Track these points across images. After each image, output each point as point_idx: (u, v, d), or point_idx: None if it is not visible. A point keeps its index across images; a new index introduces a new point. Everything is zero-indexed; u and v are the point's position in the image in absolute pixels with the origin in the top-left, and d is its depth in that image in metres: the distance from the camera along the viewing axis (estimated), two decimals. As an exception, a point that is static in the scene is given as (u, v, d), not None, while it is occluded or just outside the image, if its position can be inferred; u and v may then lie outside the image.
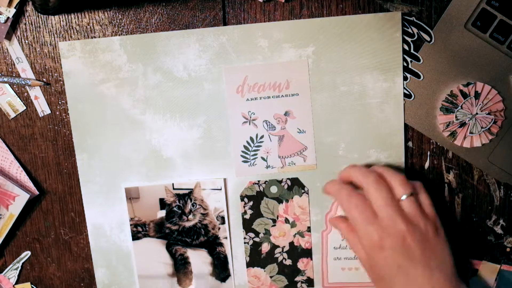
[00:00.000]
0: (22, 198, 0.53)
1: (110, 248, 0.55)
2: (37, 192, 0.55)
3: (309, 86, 0.52)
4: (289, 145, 0.53)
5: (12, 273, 0.56)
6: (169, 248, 0.55)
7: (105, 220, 0.55)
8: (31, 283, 0.57)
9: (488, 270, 0.56)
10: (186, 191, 0.54)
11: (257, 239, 0.55)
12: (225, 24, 0.52)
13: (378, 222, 0.46)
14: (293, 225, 0.55)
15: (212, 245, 0.55)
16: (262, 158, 0.54)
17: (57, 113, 0.54)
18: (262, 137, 0.53)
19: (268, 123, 0.53)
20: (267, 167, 0.54)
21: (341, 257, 0.55)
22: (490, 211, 0.55)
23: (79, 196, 0.55)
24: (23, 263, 0.56)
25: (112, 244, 0.55)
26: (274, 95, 0.52)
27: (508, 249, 0.56)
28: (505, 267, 0.56)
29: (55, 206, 0.55)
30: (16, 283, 0.57)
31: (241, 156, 0.54)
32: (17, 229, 0.56)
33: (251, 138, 0.53)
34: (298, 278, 0.56)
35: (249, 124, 0.53)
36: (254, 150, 0.53)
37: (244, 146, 0.53)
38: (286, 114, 0.53)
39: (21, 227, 0.56)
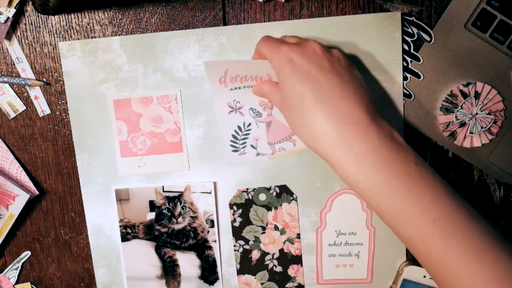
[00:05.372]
0: (22, 198, 0.53)
1: (110, 248, 0.55)
2: (37, 192, 0.55)
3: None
4: (277, 131, 0.53)
5: (12, 273, 0.56)
6: (158, 250, 0.55)
7: (105, 220, 0.55)
8: (31, 283, 0.57)
9: (488, 270, 0.56)
10: (176, 194, 0.54)
11: (247, 247, 0.55)
12: (225, 24, 0.52)
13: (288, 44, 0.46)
14: (282, 232, 0.55)
15: (201, 248, 0.55)
16: (252, 146, 0.53)
17: (57, 113, 0.54)
18: (249, 124, 0.53)
19: (254, 111, 0.52)
20: (258, 154, 0.53)
21: (336, 254, 0.55)
22: (490, 211, 0.55)
23: (79, 196, 0.55)
24: (23, 263, 0.56)
25: (112, 244, 0.55)
26: None
27: (508, 249, 0.55)
28: (505, 267, 0.56)
29: (55, 206, 0.55)
30: (16, 283, 0.57)
31: (231, 145, 0.53)
32: (17, 229, 0.56)
33: (239, 127, 0.53)
34: (289, 285, 0.56)
35: (235, 112, 0.52)
36: (243, 139, 0.53)
37: (233, 135, 0.53)
38: None
39: (21, 227, 0.56)
